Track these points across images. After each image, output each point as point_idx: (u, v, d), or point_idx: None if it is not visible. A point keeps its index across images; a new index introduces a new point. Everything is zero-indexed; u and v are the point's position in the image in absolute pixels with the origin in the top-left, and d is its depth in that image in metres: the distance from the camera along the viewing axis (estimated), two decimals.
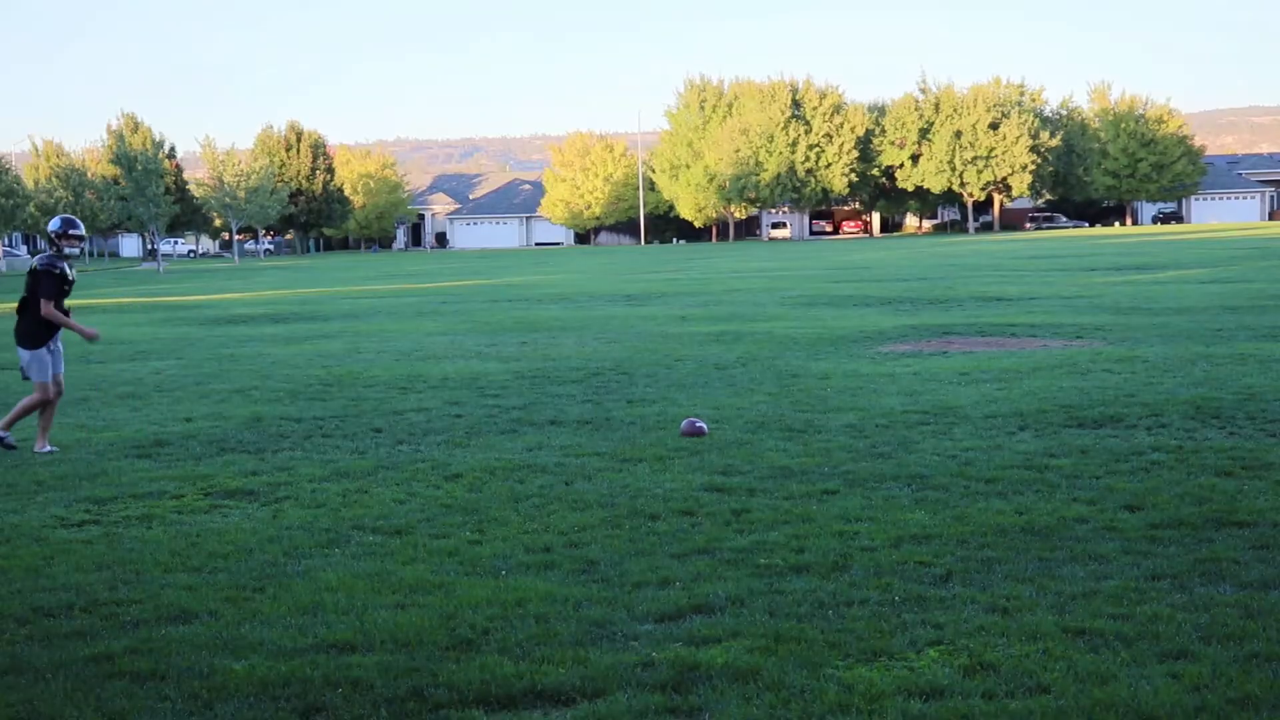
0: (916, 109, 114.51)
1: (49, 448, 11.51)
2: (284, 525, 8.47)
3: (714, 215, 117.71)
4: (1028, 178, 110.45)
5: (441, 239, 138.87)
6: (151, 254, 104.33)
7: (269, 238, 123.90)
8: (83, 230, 11.98)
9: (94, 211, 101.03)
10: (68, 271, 11.68)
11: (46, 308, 11.52)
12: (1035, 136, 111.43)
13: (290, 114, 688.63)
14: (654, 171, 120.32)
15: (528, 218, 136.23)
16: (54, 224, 11.78)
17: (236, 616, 6.54)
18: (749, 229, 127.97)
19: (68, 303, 11.98)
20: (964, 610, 6.29)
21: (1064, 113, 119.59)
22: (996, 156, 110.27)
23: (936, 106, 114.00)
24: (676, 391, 14.35)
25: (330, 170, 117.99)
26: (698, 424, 11.39)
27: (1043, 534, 7.66)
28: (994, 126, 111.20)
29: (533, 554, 7.57)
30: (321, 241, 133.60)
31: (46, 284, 11.52)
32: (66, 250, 11.74)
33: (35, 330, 11.61)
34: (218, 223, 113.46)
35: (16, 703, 5.51)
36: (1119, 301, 25.95)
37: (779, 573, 7.02)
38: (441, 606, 6.57)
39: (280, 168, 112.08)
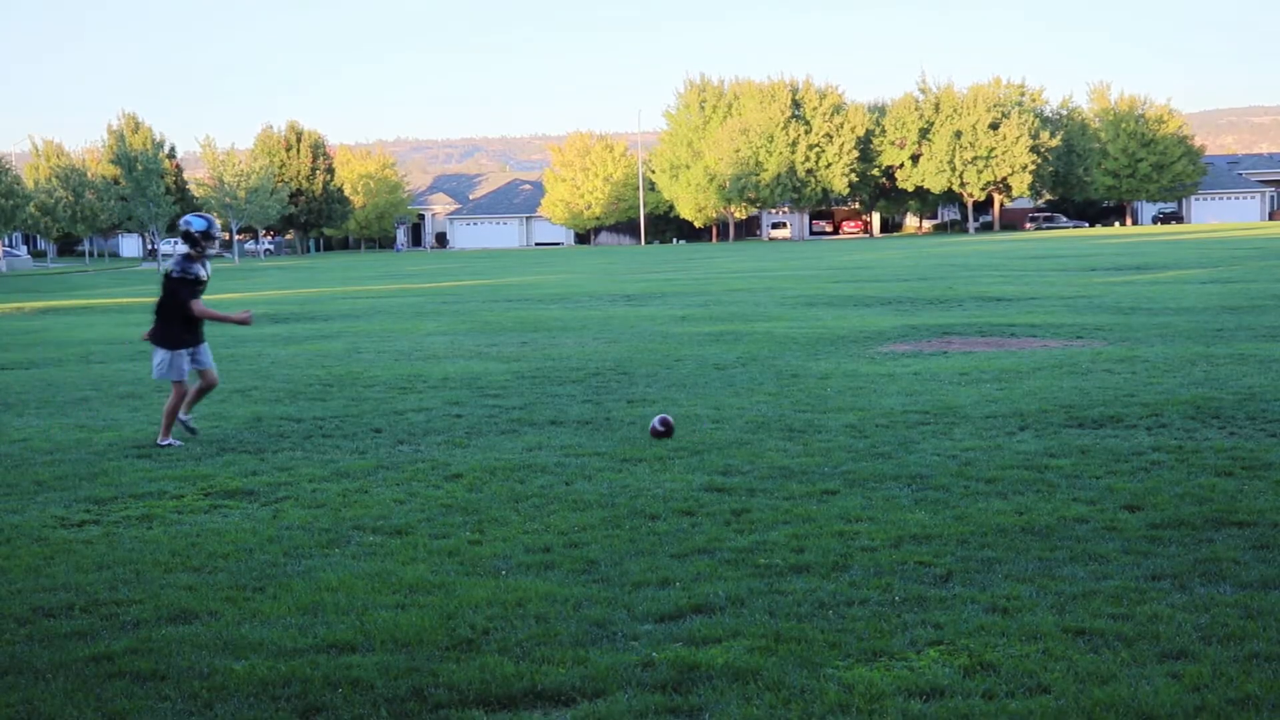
0: (916, 109, 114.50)
1: (171, 440, 11.67)
2: (284, 525, 8.47)
3: (714, 215, 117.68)
4: (1028, 178, 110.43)
5: (441, 239, 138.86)
6: (151, 254, 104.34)
7: (269, 238, 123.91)
8: (219, 229, 12.03)
9: (94, 211, 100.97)
10: (202, 273, 11.73)
11: (199, 307, 11.64)
12: (1035, 136, 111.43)
13: (290, 114, 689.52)
14: (654, 171, 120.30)
15: (528, 218, 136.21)
16: (198, 224, 11.69)
17: (236, 616, 6.54)
18: (749, 229, 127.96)
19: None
20: (964, 610, 6.29)
21: (1064, 113, 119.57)
22: (996, 156, 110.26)
23: (936, 106, 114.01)
24: (676, 391, 14.34)
25: (330, 170, 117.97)
26: (659, 427, 11.30)
27: (1043, 534, 7.66)
28: (994, 126, 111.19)
29: (533, 554, 7.57)
30: (321, 241, 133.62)
31: (185, 290, 11.61)
32: (207, 251, 11.77)
33: (174, 333, 11.70)
34: (218, 223, 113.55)
35: (16, 703, 5.51)
36: (1119, 301, 25.94)
37: (779, 573, 7.02)
38: (441, 606, 6.57)
39: (280, 168, 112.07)
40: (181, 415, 11.81)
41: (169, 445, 11.57)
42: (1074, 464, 9.62)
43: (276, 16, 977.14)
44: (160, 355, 11.76)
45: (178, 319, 11.69)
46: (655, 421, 11.35)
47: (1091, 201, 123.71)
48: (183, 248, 11.73)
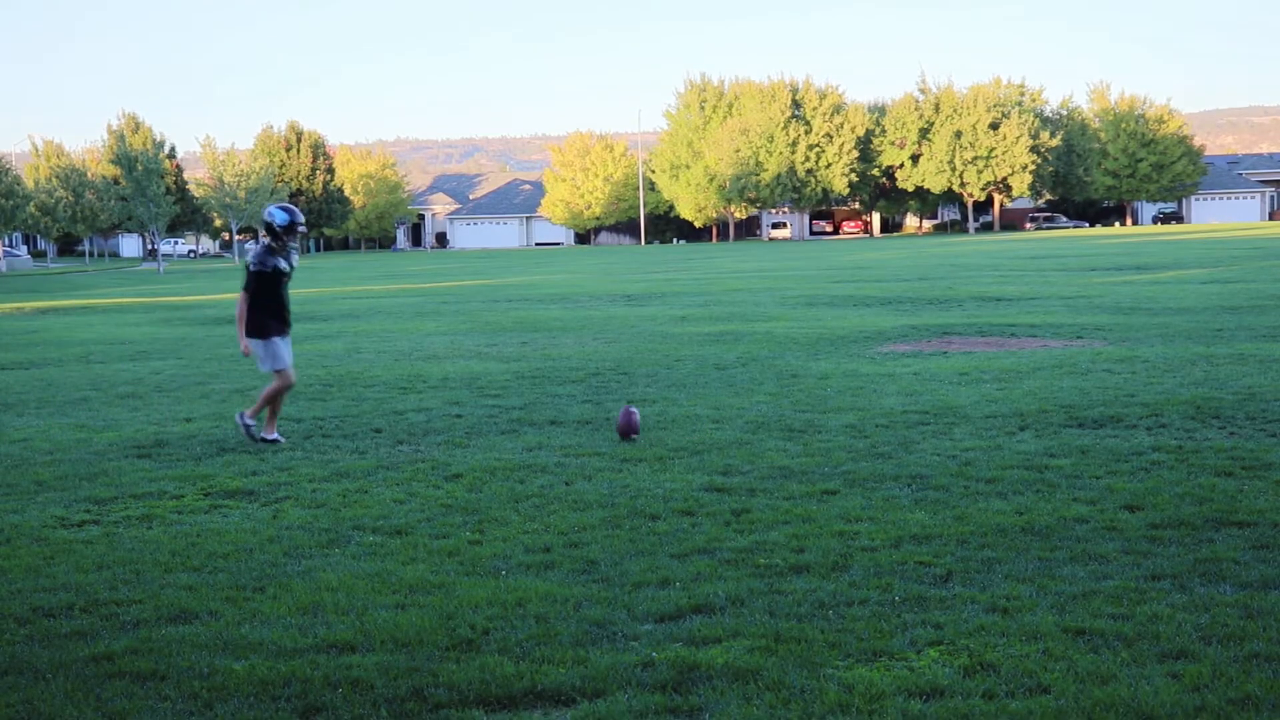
0: (916, 109, 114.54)
1: (276, 435, 11.50)
2: (284, 525, 8.47)
3: (714, 215, 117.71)
4: (1028, 178, 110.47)
5: (441, 239, 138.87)
6: (152, 254, 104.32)
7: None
8: (303, 220, 11.70)
9: (94, 211, 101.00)
10: (282, 265, 11.50)
11: (241, 304, 11.51)
12: (1035, 136, 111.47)
13: (290, 114, 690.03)
14: (654, 171, 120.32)
15: (528, 218, 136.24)
16: (280, 218, 11.47)
17: (236, 616, 6.54)
18: (749, 229, 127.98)
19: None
20: (964, 610, 6.29)
21: (1064, 113, 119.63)
22: (996, 156, 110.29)
23: (936, 106, 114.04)
24: (676, 391, 14.34)
25: (330, 170, 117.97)
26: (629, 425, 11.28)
27: (1043, 534, 7.66)
28: (994, 126, 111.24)
29: (533, 554, 7.57)
30: (321, 242, 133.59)
31: (248, 280, 11.47)
32: (290, 245, 11.57)
33: (262, 321, 11.51)
34: (218, 223, 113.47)
35: (16, 703, 5.51)
36: (1119, 301, 25.94)
37: (779, 573, 7.02)
38: (441, 606, 6.57)
39: (280, 168, 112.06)
40: (267, 435, 11.56)
41: (275, 440, 11.36)
42: (1074, 464, 9.62)
43: (276, 16, 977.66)
44: (257, 348, 11.58)
45: (266, 308, 11.50)
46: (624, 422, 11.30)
47: (1091, 201, 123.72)
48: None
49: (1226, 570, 6.84)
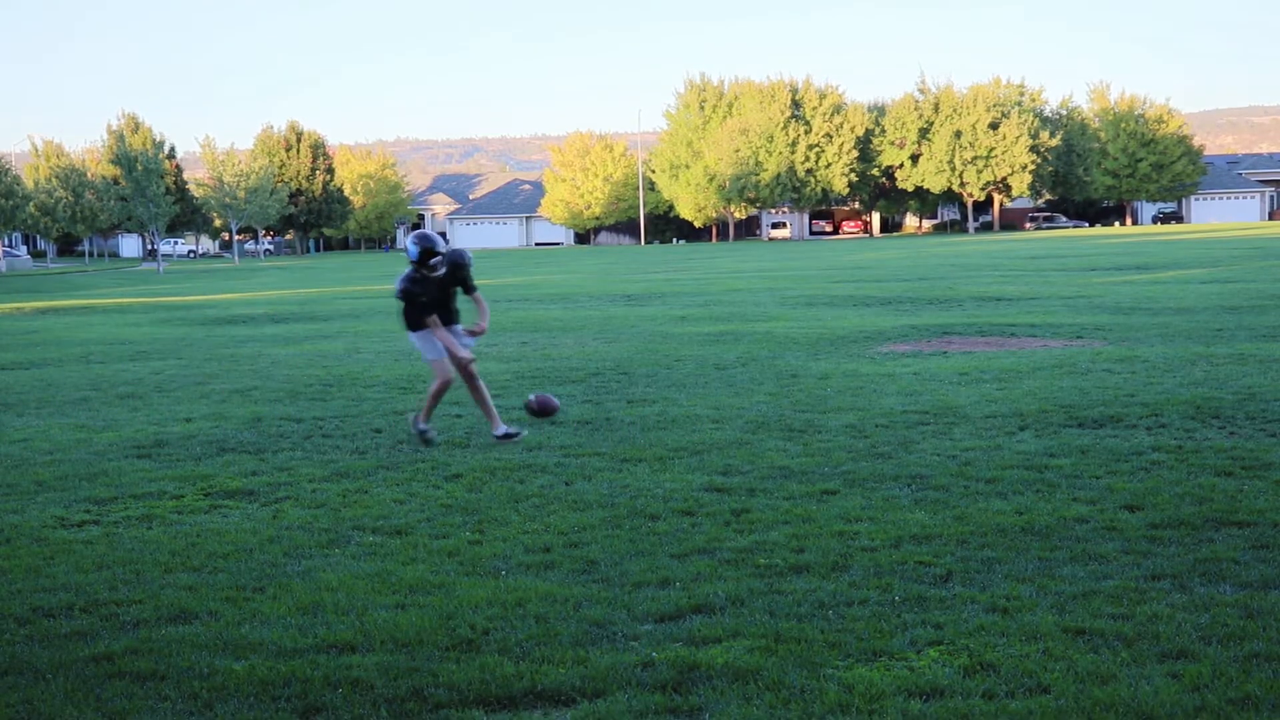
0: (916, 109, 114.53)
1: (424, 426, 11.40)
2: (284, 525, 8.47)
3: (714, 215, 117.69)
4: (1028, 178, 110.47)
5: (442, 239, 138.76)
6: (151, 254, 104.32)
7: (269, 238, 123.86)
8: (440, 246, 11.62)
9: (94, 211, 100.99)
10: (418, 292, 11.47)
11: (431, 327, 11.48)
12: (1035, 136, 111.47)
13: (290, 114, 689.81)
14: (654, 171, 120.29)
15: (528, 218, 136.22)
16: (411, 251, 11.49)
17: (236, 616, 6.54)
18: (749, 229, 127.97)
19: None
20: (964, 610, 6.29)
21: (1064, 113, 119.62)
22: (996, 156, 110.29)
23: (936, 106, 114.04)
24: (676, 391, 14.34)
25: (330, 170, 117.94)
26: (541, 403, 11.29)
27: (1043, 534, 7.66)
28: (994, 126, 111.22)
29: (533, 554, 7.57)
30: (321, 242, 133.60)
31: (408, 310, 11.56)
32: (430, 276, 11.48)
33: (414, 319, 11.56)
34: (218, 223, 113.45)
35: (16, 703, 5.52)
36: (1119, 301, 25.94)
37: (779, 573, 7.02)
38: (441, 606, 6.58)
39: (280, 168, 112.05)
40: (420, 424, 11.47)
41: (425, 431, 11.28)
42: (1074, 464, 9.62)
43: (276, 16, 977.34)
44: (415, 340, 11.62)
45: (416, 309, 11.51)
46: (536, 401, 11.31)
47: (1091, 201, 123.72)
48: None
49: (1226, 570, 6.84)
